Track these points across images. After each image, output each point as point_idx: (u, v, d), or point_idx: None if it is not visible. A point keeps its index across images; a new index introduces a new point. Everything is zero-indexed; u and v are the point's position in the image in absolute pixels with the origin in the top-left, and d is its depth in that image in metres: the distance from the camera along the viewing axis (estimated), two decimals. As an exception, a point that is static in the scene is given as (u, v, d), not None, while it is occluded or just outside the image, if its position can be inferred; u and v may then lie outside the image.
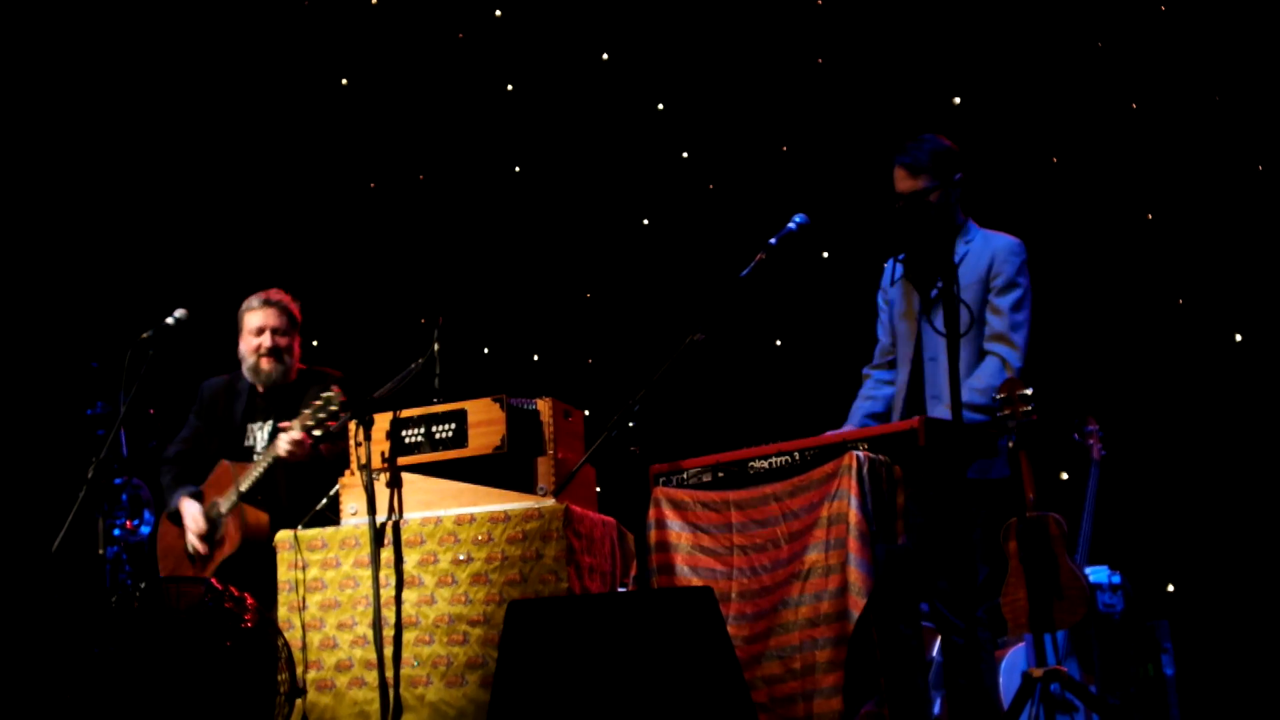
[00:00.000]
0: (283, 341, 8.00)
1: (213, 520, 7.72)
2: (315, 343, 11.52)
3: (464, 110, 11.62)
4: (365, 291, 11.56)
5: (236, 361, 8.05)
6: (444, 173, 11.69)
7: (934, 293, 6.53)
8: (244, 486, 7.59)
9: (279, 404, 7.90)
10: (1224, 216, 9.83)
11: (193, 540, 7.73)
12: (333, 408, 7.11)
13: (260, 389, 8.04)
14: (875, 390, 7.12)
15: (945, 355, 6.54)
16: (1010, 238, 6.82)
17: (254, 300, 8.06)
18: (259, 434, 7.93)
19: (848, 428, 6.95)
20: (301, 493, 7.53)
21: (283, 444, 7.44)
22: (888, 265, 7.11)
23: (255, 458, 7.75)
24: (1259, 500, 9.50)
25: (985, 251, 6.76)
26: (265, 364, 7.95)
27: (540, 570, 6.52)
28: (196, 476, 7.96)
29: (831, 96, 10.78)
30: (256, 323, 8.01)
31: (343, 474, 7.05)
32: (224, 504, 7.66)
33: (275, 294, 8.09)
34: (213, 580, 6.87)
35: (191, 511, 7.78)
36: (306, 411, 7.20)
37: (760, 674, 6.08)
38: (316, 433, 7.21)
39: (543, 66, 11.54)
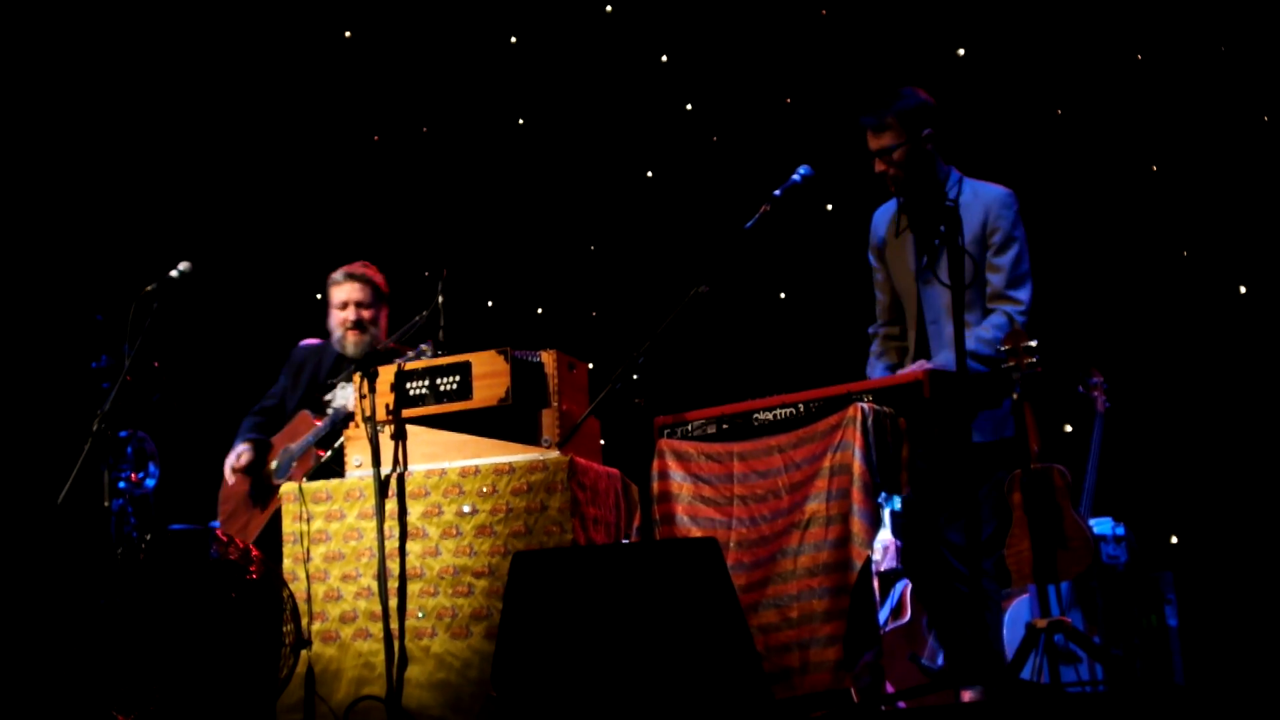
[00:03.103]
0: (367, 314, 8.19)
1: (282, 466, 7.89)
2: (319, 295, 11.53)
3: (467, 62, 11.59)
4: (369, 244, 11.54)
5: (239, 317, 8.09)
6: (447, 125, 11.66)
7: (936, 241, 6.53)
8: (314, 436, 7.70)
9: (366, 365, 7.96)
10: (1229, 169, 9.80)
11: (227, 470, 8.04)
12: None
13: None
14: (885, 346, 7.10)
15: (945, 319, 6.56)
16: (1000, 188, 6.77)
17: (338, 274, 8.23)
18: (342, 393, 7.97)
19: None
20: None
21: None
22: (874, 221, 7.08)
23: (334, 408, 7.83)
24: (1262, 452, 9.49)
25: (977, 204, 6.70)
26: (351, 337, 8.15)
27: (545, 522, 6.54)
28: (271, 429, 8.18)
29: (835, 48, 10.74)
30: (341, 297, 8.18)
31: None
32: (296, 448, 7.77)
33: (359, 267, 8.25)
34: (218, 531, 6.89)
35: (237, 450, 8.07)
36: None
37: (757, 623, 6.09)
38: None
39: (546, 18, 11.50)
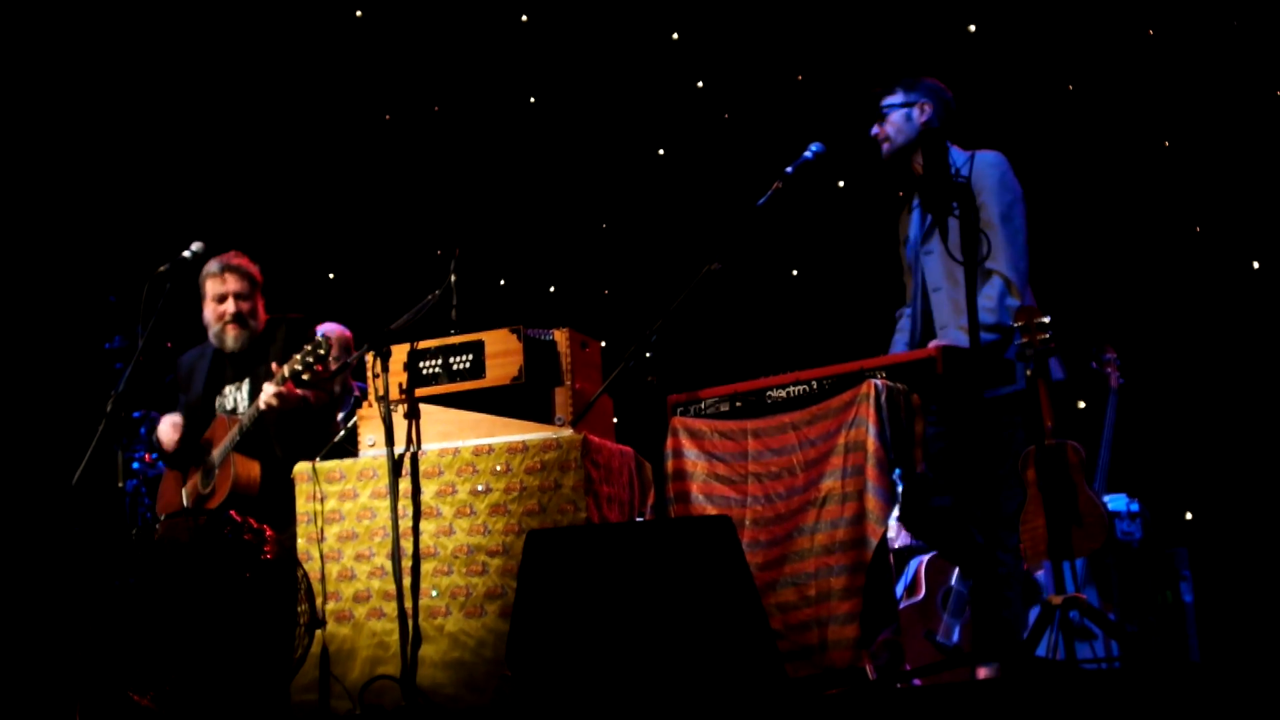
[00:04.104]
0: (245, 306, 7.91)
1: (206, 473, 7.74)
2: (331, 275, 11.53)
3: (478, 41, 11.58)
4: (382, 224, 11.55)
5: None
6: (459, 104, 11.66)
7: (933, 220, 6.56)
8: (231, 441, 7.59)
9: (250, 360, 7.87)
10: (1241, 145, 9.79)
11: (169, 436, 7.83)
12: (320, 351, 7.10)
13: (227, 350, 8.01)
14: (909, 327, 7.13)
15: (948, 285, 6.57)
16: (987, 152, 6.82)
17: (212, 265, 7.90)
18: (237, 395, 7.89)
19: None
20: (293, 443, 7.53)
21: (265, 397, 7.40)
22: (911, 216, 7.12)
23: (237, 415, 7.73)
24: (1277, 428, 9.48)
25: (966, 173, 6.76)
26: (231, 330, 7.88)
27: (559, 500, 6.53)
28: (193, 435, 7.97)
29: (847, 25, 10.73)
30: (217, 289, 7.91)
31: (332, 419, 7.05)
32: (216, 456, 7.66)
33: (234, 258, 7.95)
34: (232, 513, 6.89)
35: (169, 422, 7.89)
36: (296, 356, 7.17)
37: (774, 601, 6.10)
38: (305, 377, 7.18)
39: (557, -3, 11.51)
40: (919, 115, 6.92)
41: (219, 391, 7.93)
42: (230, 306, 7.88)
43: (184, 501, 7.77)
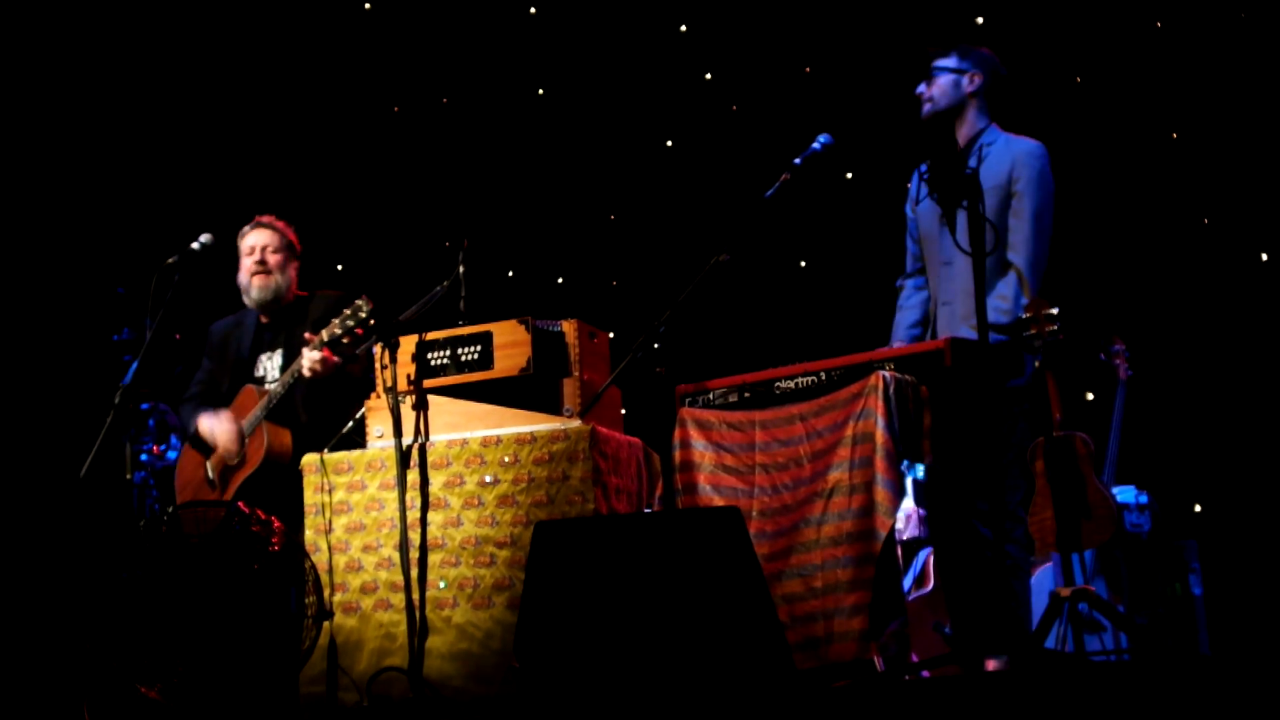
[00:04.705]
0: (274, 259, 7.96)
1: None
2: (340, 266, 11.52)
3: (487, 33, 11.58)
4: (391, 215, 11.55)
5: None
6: (468, 96, 11.66)
7: (958, 207, 6.54)
8: (264, 409, 7.58)
9: (286, 329, 7.88)
10: (1249, 135, 9.77)
11: (226, 444, 7.75)
12: (362, 314, 7.07)
13: (264, 318, 8.01)
14: (909, 299, 7.13)
15: (960, 259, 6.54)
16: (1030, 141, 6.82)
17: (246, 227, 8.04)
18: (268, 364, 7.90)
19: (896, 344, 6.95)
20: (321, 413, 7.53)
21: (306, 361, 7.40)
22: (914, 176, 7.10)
23: (270, 384, 7.74)
24: (1286, 419, 9.49)
25: (1005, 156, 6.77)
26: (257, 281, 7.92)
27: (567, 491, 6.53)
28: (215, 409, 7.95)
29: (854, 16, 10.72)
30: (247, 244, 7.99)
31: (366, 396, 7.04)
32: (247, 425, 7.66)
33: (266, 218, 8.06)
34: (240, 504, 6.89)
35: (209, 423, 7.81)
36: (335, 321, 7.16)
37: (780, 592, 6.09)
38: (344, 341, 7.17)
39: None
40: (968, 84, 6.92)
41: (255, 359, 7.95)
42: (257, 256, 7.96)
43: (209, 474, 7.78)
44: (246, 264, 7.96)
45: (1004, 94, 7.01)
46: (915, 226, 7.10)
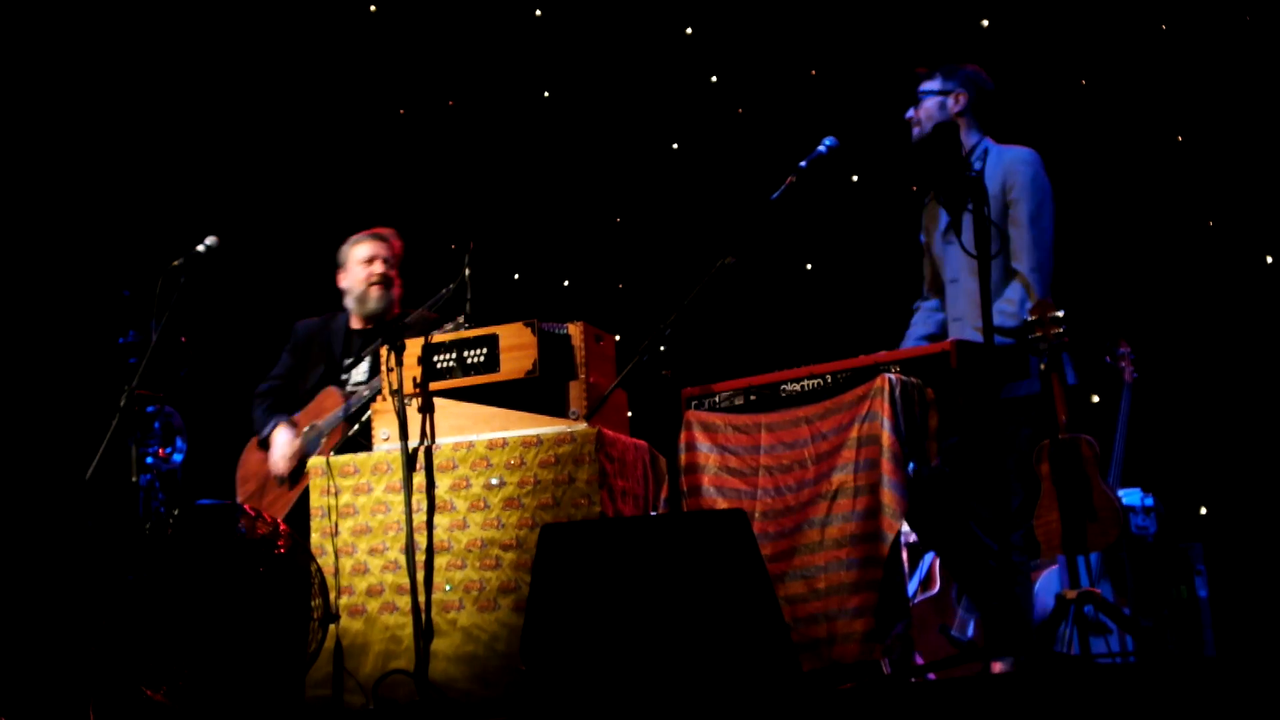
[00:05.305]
0: (393, 272, 8.18)
1: (310, 442, 7.80)
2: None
3: (492, 36, 11.58)
4: (396, 218, 11.54)
5: (266, 291, 8.05)
6: (473, 98, 11.66)
7: (955, 214, 6.55)
8: (344, 413, 7.68)
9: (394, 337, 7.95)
10: (1254, 139, 9.77)
11: (277, 463, 7.86)
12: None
13: (355, 324, 8.19)
14: (925, 317, 7.14)
15: (966, 276, 6.57)
16: (1021, 149, 6.86)
17: (361, 235, 8.22)
18: (352, 371, 7.97)
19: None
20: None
21: None
22: (925, 202, 7.14)
23: (354, 388, 7.82)
24: (1292, 422, 9.49)
25: (998, 166, 6.80)
26: (374, 292, 8.14)
27: (573, 494, 6.54)
28: (288, 407, 8.09)
29: (860, 19, 10.72)
30: (366, 253, 8.19)
31: None
32: (324, 425, 7.74)
33: (385, 230, 8.28)
34: (246, 506, 6.89)
35: (284, 438, 7.91)
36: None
37: (783, 594, 6.10)
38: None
39: (571, -9, 11.51)
40: (953, 105, 6.94)
41: (341, 365, 8.03)
42: (378, 268, 8.15)
43: (275, 473, 7.91)
44: (362, 273, 8.17)
45: (994, 107, 7.03)
46: (929, 249, 7.13)
